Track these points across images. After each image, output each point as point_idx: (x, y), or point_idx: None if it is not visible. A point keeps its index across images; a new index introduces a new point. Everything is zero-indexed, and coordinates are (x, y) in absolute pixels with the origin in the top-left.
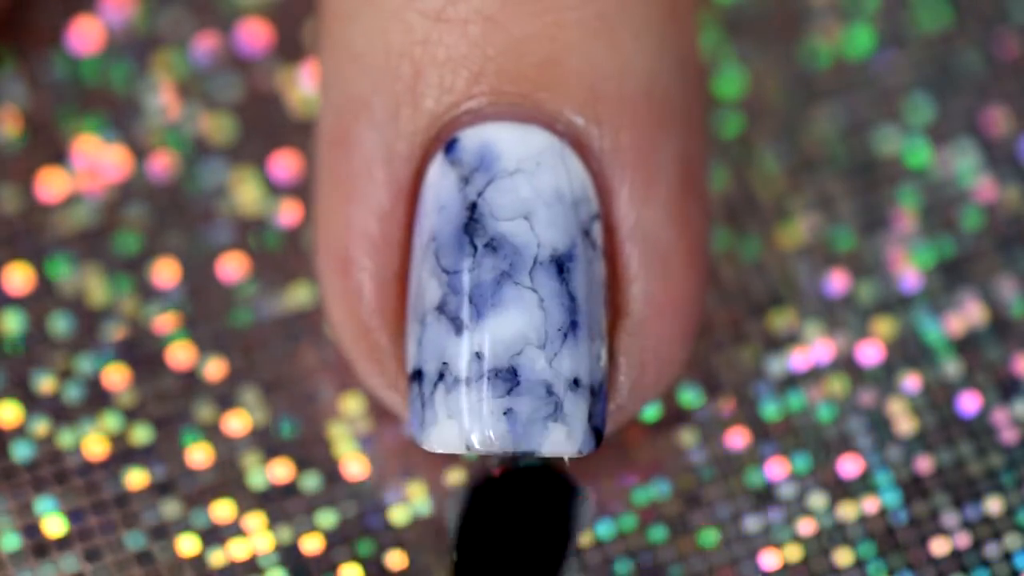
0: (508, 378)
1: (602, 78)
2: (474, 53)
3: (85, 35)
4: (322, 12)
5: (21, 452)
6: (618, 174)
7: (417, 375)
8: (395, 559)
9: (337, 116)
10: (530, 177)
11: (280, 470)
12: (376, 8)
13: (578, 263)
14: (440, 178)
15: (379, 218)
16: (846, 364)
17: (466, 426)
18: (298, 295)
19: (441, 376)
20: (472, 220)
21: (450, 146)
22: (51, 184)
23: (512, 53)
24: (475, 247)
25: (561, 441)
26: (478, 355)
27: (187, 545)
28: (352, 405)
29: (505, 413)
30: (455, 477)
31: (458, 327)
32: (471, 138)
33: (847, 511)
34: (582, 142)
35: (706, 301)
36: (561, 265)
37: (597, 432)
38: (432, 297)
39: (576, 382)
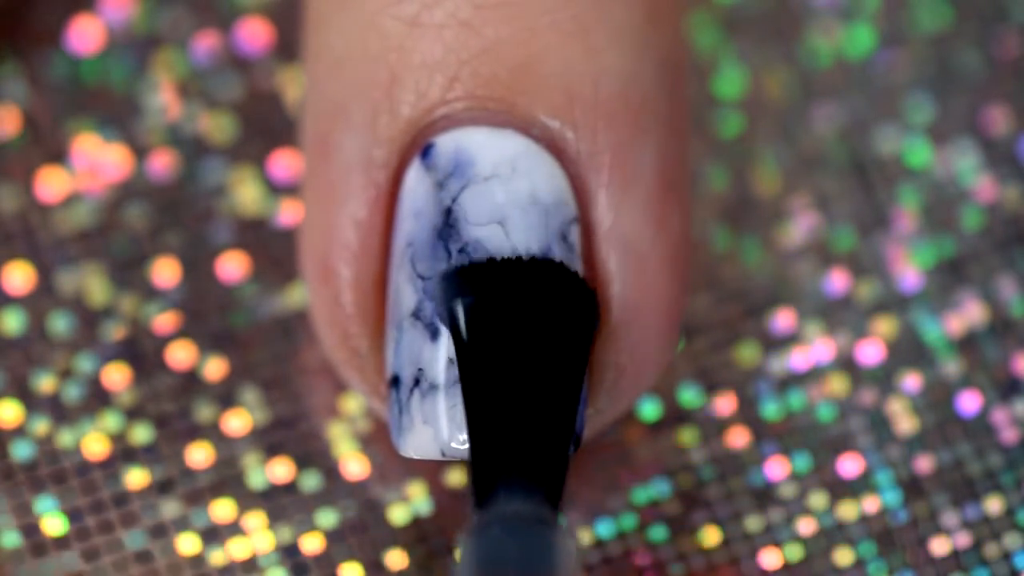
0: None
1: (578, 81)
2: (449, 58)
3: (85, 35)
4: (306, 17)
5: (21, 452)
6: (595, 177)
7: (395, 381)
8: (395, 559)
9: (317, 122)
10: (505, 182)
11: (280, 469)
12: (353, 14)
13: None
14: (416, 184)
15: (357, 225)
16: (846, 364)
17: (442, 432)
18: (298, 295)
19: (417, 382)
20: (447, 226)
21: (426, 151)
22: (51, 184)
23: (487, 57)
24: (450, 253)
25: None
26: (453, 361)
27: (187, 545)
28: (352, 405)
29: None
30: (455, 478)
31: (433, 333)
32: (446, 143)
33: (847, 511)
34: (558, 146)
35: (705, 301)
36: None
37: (575, 436)
38: (408, 303)
39: None
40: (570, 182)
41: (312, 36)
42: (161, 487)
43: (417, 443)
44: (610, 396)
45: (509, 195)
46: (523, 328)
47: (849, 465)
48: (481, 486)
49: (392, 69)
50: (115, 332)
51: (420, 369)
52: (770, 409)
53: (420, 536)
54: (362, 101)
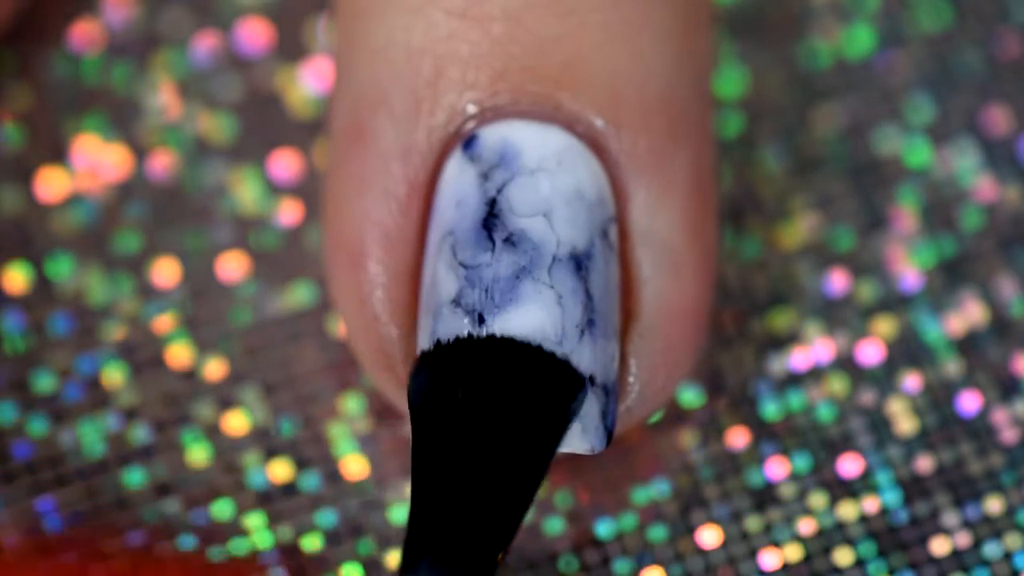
0: None
1: (624, 82)
2: (497, 51)
3: (85, 35)
4: (337, 7)
5: (20, 453)
6: (634, 178)
7: None
8: (395, 559)
9: (354, 110)
10: (551, 176)
11: (280, 470)
12: (398, 5)
13: (596, 262)
14: (458, 173)
15: (394, 211)
16: (846, 364)
17: None
18: (298, 295)
19: None
20: (491, 216)
21: (469, 142)
22: (51, 184)
23: (535, 52)
24: (493, 242)
25: (575, 437)
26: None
27: (187, 545)
28: (352, 405)
29: None
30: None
31: (475, 320)
32: (491, 135)
33: (847, 511)
34: (600, 144)
35: None
36: (579, 263)
37: (608, 432)
38: (448, 290)
39: (591, 379)
40: (609, 181)
41: (350, 26)
42: (161, 488)
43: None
44: (641, 396)
45: (554, 188)
46: (491, 410)
47: (849, 465)
48: (407, 555)
49: (438, 60)
50: (115, 332)
51: None
52: (770, 409)
53: None
54: (405, 90)
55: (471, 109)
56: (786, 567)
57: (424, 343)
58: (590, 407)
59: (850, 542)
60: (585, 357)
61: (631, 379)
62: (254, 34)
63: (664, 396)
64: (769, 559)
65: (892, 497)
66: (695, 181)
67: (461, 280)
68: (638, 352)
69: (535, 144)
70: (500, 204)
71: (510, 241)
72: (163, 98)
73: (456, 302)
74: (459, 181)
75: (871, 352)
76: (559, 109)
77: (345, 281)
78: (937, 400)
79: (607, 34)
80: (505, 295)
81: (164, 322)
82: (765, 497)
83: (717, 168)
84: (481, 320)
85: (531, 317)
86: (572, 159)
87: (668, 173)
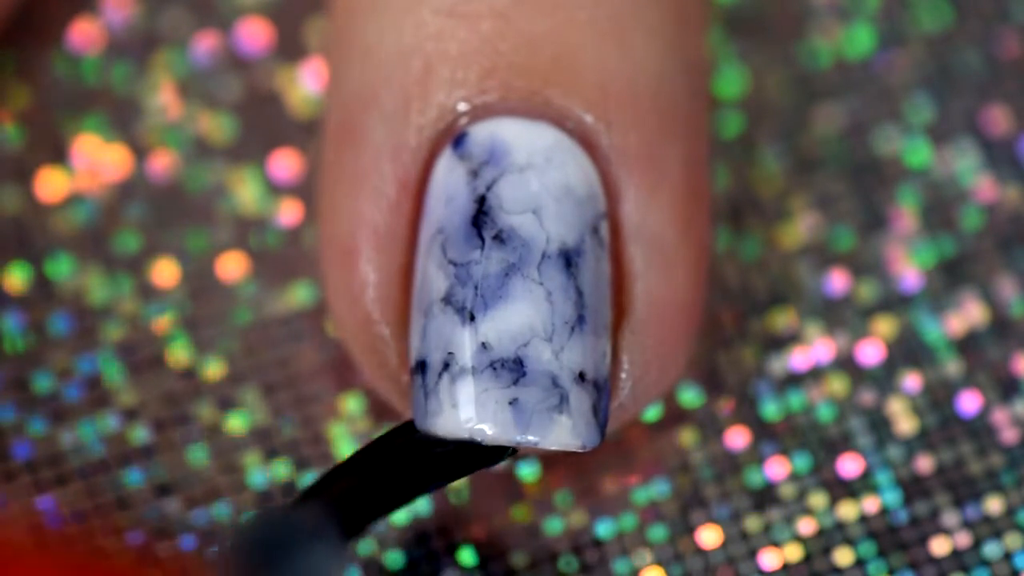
0: (514, 368)
1: (612, 78)
2: (486, 48)
3: (85, 35)
4: (331, 7)
5: (20, 453)
6: (624, 174)
7: (420, 366)
8: (395, 559)
9: (345, 109)
10: (540, 172)
11: (280, 470)
12: (388, 3)
13: (586, 258)
14: (448, 171)
15: (385, 210)
16: (846, 364)
17: (471, 415)
18: (298, 295)
19: (446, 366)
20: (481, 213)
21: (459, 140)
22: (51, 184)
23: (524, 49)
24: (483, 239)
25: (566, 433)
26: (484, 345)
27: (187, 545)
28: (352, 405)
29: (511, 403)
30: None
31: (465, 318)
32: (480, 133)
33: (847, 511)
34: (590, 141)
35: (707, 300)
36: (569, 260)
37: (601, 428)
38: (438, 289)
39: (582, 376)
40: (600, 177)
41: (341, 25)
42: (161, 488)
43: (446, 426)
44: (633, 392)
45: (544, 185)
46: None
47: (849, 465)
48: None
49: (427, 58)
50: (115, 332)
51: (450, 353)
52: (770, 409)
53: (420, 536)
54: (395, 89)
55: (461, 107)
56: (786, 567)
57: (416, 342)
58: (581, 402)
59: (850, 542)
60: (575, 353)
61: (623, 375)
62: (254, 34)
63: (657, 392)
64: (769, 559)
65: (892, 497)
66: (687, 176)
67: (451, 278)
68: (630, 348)
69: (524, 141)
70: (490, 201)
71: (499, 238)
72: (163, 98)
73: (446, 300)
74: (449, 179)
75: (871, 352)
76: (548, 105)
77: (337, 280)
78: (937, 400)
79: (596, 30)
80: (495, 292)
81: (164, 322)
82: (765, 497)
83: (710, 163)
84: (472, 318)
85: (520, 314)
86: (562, 156)
87: (659, 169)
